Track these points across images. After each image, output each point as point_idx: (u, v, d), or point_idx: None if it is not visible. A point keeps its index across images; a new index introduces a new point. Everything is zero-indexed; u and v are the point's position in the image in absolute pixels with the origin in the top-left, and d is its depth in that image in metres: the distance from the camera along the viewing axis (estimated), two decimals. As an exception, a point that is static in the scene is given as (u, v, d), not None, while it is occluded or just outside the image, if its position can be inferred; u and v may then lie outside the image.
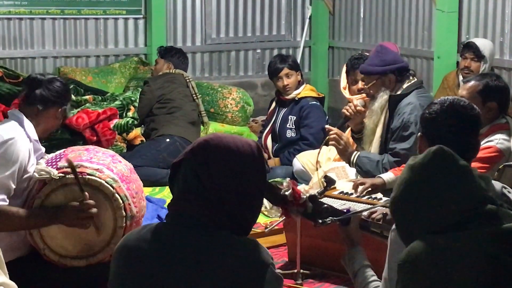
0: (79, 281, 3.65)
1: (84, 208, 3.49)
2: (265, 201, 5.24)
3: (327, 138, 4.88)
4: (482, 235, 2.13)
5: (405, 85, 4.85)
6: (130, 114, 6.87)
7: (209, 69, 8.76)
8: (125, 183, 3.69)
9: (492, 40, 6.89)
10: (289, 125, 6.36)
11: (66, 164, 3.56)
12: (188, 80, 6.97)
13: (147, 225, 2.33)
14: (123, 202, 3.62)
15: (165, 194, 5.75)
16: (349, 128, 5.23)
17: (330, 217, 2.88)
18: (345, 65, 5.93)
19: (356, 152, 4.83)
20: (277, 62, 6.42)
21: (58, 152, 3.83)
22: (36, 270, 3.65)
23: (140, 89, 7.05)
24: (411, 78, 4.90)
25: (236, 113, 7.58)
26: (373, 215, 3.73)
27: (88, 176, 3.59)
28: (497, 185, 2.58)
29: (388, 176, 4.49)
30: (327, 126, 5.07)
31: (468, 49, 6.34)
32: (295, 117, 6.34)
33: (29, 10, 7.82)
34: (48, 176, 3.54)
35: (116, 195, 3.61)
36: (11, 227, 3.52)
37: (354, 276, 2.84)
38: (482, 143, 3.89)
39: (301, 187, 4.82)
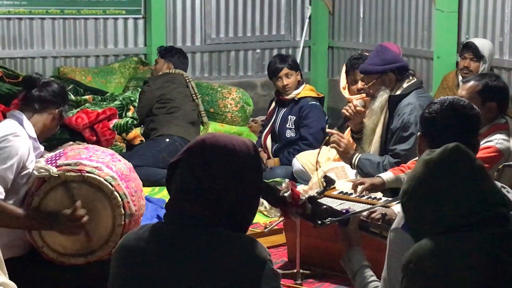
0: (78, 279, 3.65)
1: (75, 218, 3.50)
2: (264, 201, 5.25)
3: (327, 138, 4.88)
4: (487, 237, 2.11)
5: (405, 85, 4.86)
6: (129, 114, 6.87)
7: (209, 69, 8.76)
8: (124, 182, 3.70)
9: (491, 40, 6.88)
10: (289, 125, 6.36)
11: (65, 162, 3.58)
12: (188, 80, 6.98)
13: (146, 225, 2.34)
14: (122, 200, 3.63)
15: (164, 194, 5.75)
16: (349, 128, 5.23)
17: (329, 218, 2.87)
18: (344, 65, 5.93)
19: (357, 154, 4.83)
20: (277, 62, 6.42)
21: (58, 151, 3.84)
22: (35, 269, 3.65)
23: (139, 89, 7.05)
24: (410, 78, 4.91)
25: (236, 113, 7.58)
26: (373, 215, 3.74)
27: (87, 174, 3.60)
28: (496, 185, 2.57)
29: (387, 175, 4.49)
30: (328, 130, 5.07)
31: (467, 49, 6.34)
32: (294, 117, 6.34)
33: (28, 10, 7.82)
34: (47, 173, 3.56)
35: (115, 193, 3.62)
36: (4, 224, 3.53)
37: (353, 277, 2.84)
38: (481, 143, 3.89)
39: (301, 187, 4.83)
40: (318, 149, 5.10)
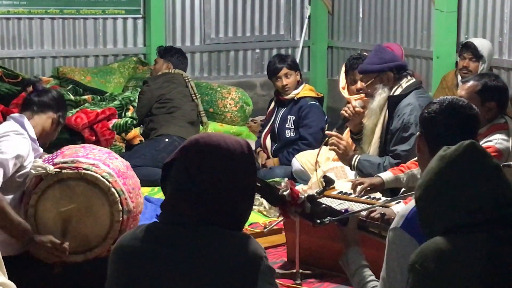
0: (77, 277, 3.65)
1: (59, 251, 3.51)
2: (264, 201, 5.25)
3: (326, 138, 4.88)
4: (494, 239, 2.10)
5: (404, 85, 4.85)
6: (129, 114, 6.87)
7: (208, 69, 8.76)
8: (122, 178, 3.72)
9: (491, 40, 6.89)
10: (288, 125, 6.36)
11: (62, 160, 3.61)
12: (187, 80, 6.98)
13: (142, 225, 2.35)
14: (119, 196, 3.65)
15: (164, 194, 5.74)
16: (348, 129, 5.23)
17: (328, 217, 2.88)
18: (344, 65, 5.93)
19: (356, 155, 4.82)
20: (276, 62, 6.42)
21: (55, 152, 3.87)
22: (34, 268, 3.65)
23: (139, 89, 7.05)
24: (409, 77, 4.91)
25: (235, 113, 7.58)
26: (372, 215, 3.74)
27: (84, 171, 3.62)
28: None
29: (387, 175, 4.48)
30: (327, 132, 5.07)
31: (467, 49, 6.34)
32: (294, 117, 6.34)
33: (28, 10, 7.82)
34: (44, 171, 3.58)
35: (112, 189, 3.63)
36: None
37: (352, 277, 2.84)
38: (481, 143, 3.89)
39: (300, 187, 4.83)
40: (318, 149, 5.10)
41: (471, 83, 4.17)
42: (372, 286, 2.74)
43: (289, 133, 6.36)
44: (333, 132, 4.90)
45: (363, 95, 5.16)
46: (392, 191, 4.54)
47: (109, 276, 2.32)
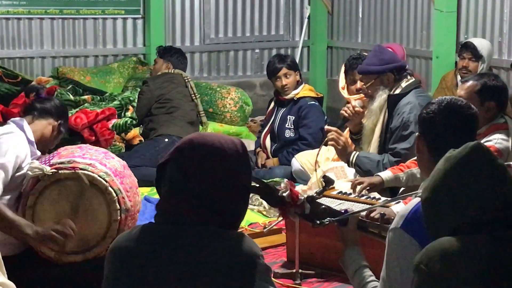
0: (76, 277, 3.65)
1: (63, 233, 3.48)
2: (264, 201, 5.25)
3: (326, 138, 4.88)
4: (499, 240, 2.09)
5: (403, 84, 4.85)
6: (128, 114, 6.87)
7: (208, 69, 8.76)
8: (119, 178, 3.73)
9: (490, 40, 6.89)
10: (288, 125, 6.36)
11: (59, 160, 3.62)
12: (187, 80, 6.98)
13: (138, 226, 2.36)
14: (116, 195, 3.65)
15: (163, 194, 5.74)
16: (348, 129, 5.22)
17: (328, 218, 2.87)
18: (343, 65, 5.94)
19: (355, 152, 4.82)
20: (276, 62, 6.42)
21: (51, 153, 3.88)
22: (33, 268, 3.65)
23: (138, 89, 7.05)
24: (409, 77, 4.91)
25: (235, 113, 7.58)
26: (371, 215, 3.74)
27: (80, 171, 3.62)
28: None
29: (386, 174, 4.48)
30: (326, 126, 5.07)
31: (466, 49, 6.34)
32: (293, 117, 6.34)
33: (27, 10, 7.82)
34: (41, 172, 3.59)
35: (110, 188, 3.64)
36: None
37: (352, 277, 2.84)
38: (480, 143, 3.89)
39: (300, 187, 4.83)
40: (317, 149, 5.10)
41: (470, 83, 4.17)
42: (373, 287, 2.74)
43: (288, 133, 6.36)
44: (333, 128, 4.89)
45: (362, 95, 5.15)
46: (391, 191, 4.54)
47: (105, 277, 2.33)
